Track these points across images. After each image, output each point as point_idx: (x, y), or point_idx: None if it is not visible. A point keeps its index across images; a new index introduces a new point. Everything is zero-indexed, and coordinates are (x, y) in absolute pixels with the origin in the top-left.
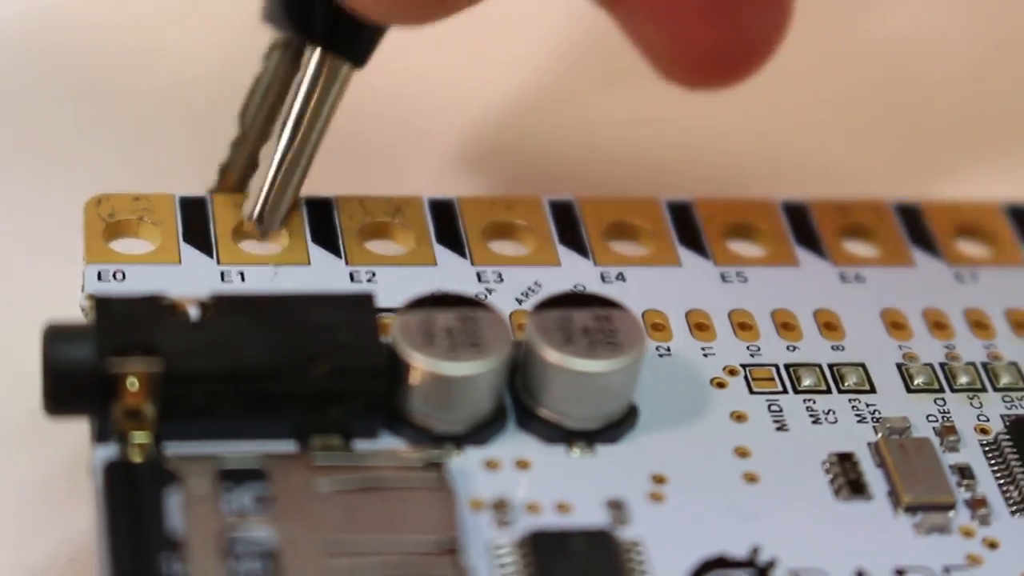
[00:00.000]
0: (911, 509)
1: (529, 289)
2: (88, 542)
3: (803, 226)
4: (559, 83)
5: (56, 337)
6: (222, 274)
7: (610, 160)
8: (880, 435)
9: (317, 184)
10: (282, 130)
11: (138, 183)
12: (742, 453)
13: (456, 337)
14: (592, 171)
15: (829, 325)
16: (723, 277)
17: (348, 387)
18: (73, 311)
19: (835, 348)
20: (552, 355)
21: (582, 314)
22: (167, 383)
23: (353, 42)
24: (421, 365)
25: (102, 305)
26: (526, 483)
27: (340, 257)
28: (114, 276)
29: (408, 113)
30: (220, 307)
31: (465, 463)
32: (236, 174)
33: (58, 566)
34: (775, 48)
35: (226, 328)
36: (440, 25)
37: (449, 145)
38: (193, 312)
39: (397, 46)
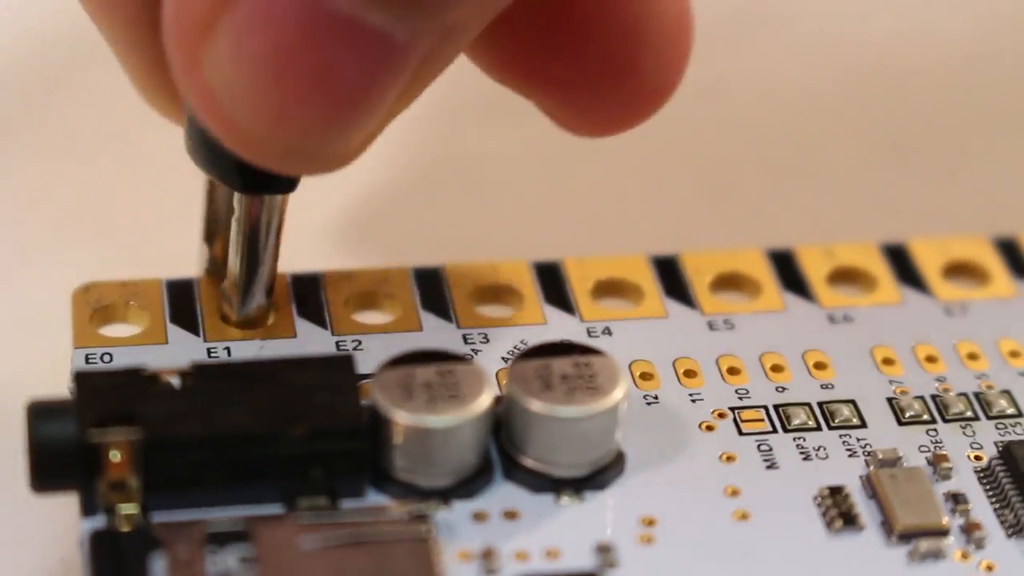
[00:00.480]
0: (904, 537)
1: (515, 348)
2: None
3: (790, 272)
4: (530, 141)
5: (38, 414)
6: (208, 351)
7: (591, 219)
8: (871, 467)
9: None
10: (236, 254)
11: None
12: (732, 492)
13: (435, 390)
14: (574, 231)
15: (819, 365)
16: (711, 325)
17: (330, 448)
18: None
19: (825, 387)
20: (532, 403)
21: (561, 362)
22: (149, 452)
23: (271, 179)
24: (402, 420)
25: (83, 380)
26: (514, 533)
27: (326, 328)
28: (102, 358)
29: (378, 183)
30: (200, 375)
31: (452, 516)
32: (214, 268)
33: (47, 568)
34: (668, 96)
35: (206, 395)
36: None
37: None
38: (174, 381)
39: None
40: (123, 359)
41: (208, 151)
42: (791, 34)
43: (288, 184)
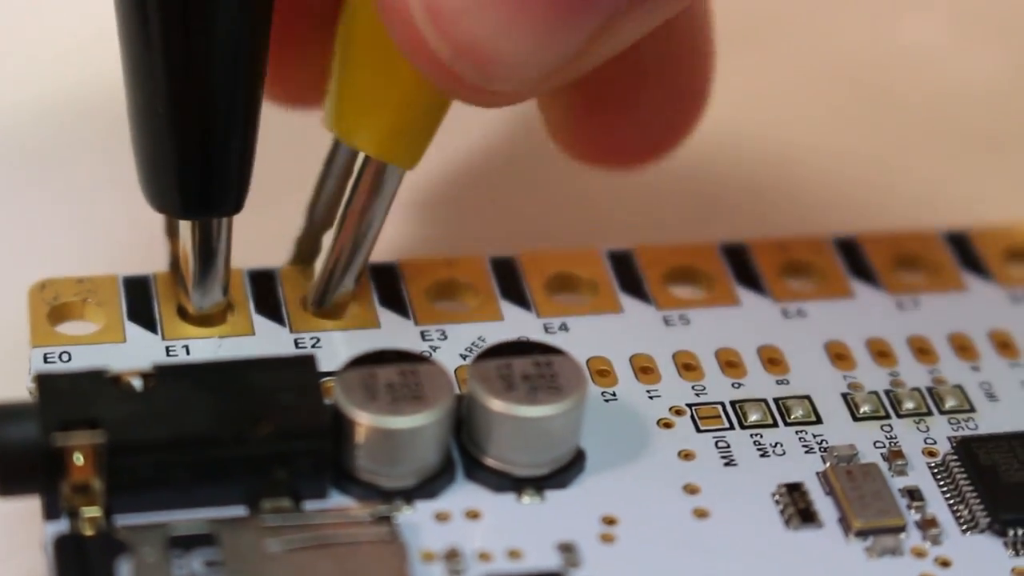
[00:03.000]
0: (862, 533)
1: (473, 344)
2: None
3: (743, 266)
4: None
5: (0, 417)
6: (167, 349)
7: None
8: (828, 464)
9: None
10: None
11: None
12: (691, 490)
13: (398, 391)
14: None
15: (773, 361)
16: (666, 321)
17: (293, 448)
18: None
19: (780, 382)
20: (494, 403)
21: (522, 361)
22: (113, 455)
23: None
24: (364, 421)
25: (44, 382)
26: (477, 533)
27: (284, 325)
28: (60, 357)
29: None
30: (162, 377)
31: (415, 516)
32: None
33: None
34: (680, 142)
35: (169, 397)
36: None
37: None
38: (136, 383)
39: None
40: (82, 358)
41: (153, 183)
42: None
43: (232, 207)
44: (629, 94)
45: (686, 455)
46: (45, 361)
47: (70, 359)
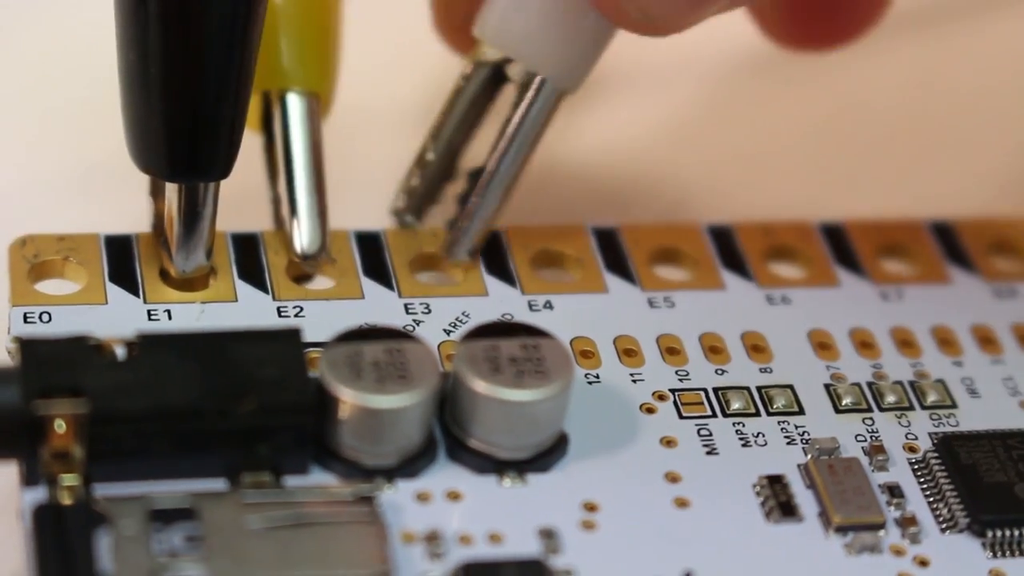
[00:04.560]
0: (841, 529)
1: (457, 320)
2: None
3: (728, 249)
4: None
5: None
6: (149, 313)
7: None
8: (809, 456)
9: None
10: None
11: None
12: (672, 479)
13: (384, 370)
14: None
15: (756, 348)
16: (650, 302)
17: (276, 423)
18: (0, 354)
19: (763, 371)
20: (480, 385)
21: (509, 343)
22: (94, 424)
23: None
24: (349, 399)
25: (27, 347)
26: (458, 515)
27: (267, 293)
28: (40, 318)
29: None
30: (146, 346)
31: (396, 496)
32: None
33: None
34: (877, 21)
35: (153, 367)
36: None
37: (376, 176)
38: (120, 351)
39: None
40: (62, 318)
41: (141, 144)
42: None
43: (220, 172)
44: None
45: (668, 442)
46: (25, 321)
47: (50, 320)
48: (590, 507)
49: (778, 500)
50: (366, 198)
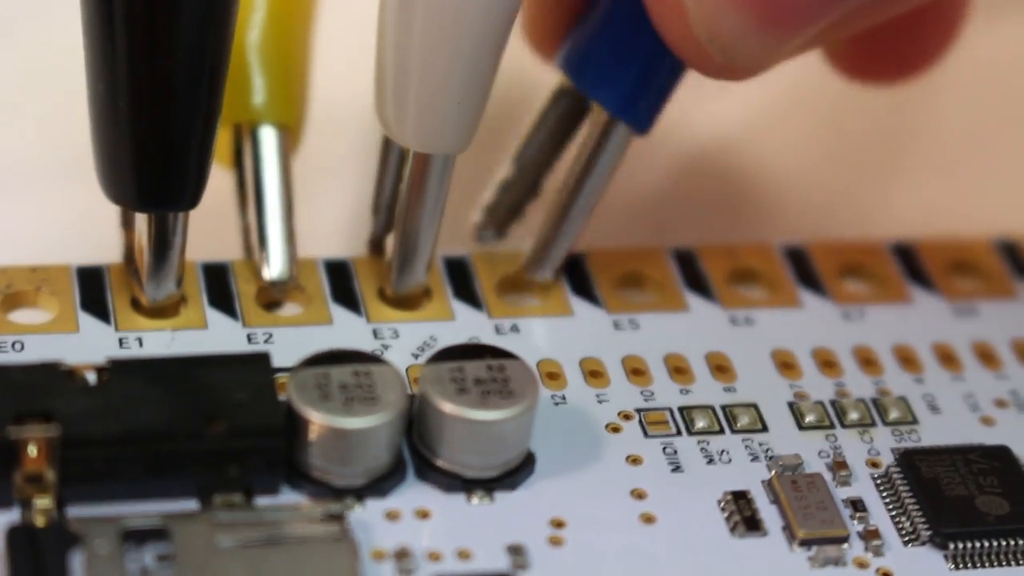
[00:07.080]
0: (805, 543)
1: (425, 344)
2: None
3: (692, 272)
4: None
5: None
6: (120, 340)
7: None
8: (773, 472)
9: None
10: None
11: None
12: (639, 495)
13: (351, 392)
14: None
15: (721, 368)
16: (616, 325)
17: (247, 445)
18: None
19: (727, 390)
20: (446, 406)
21: (475, 365)
22: (66, 448)
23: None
24: (318, 420)
25: (0, 374)
26: (427, 532)
27: (237, 320)
28: (13, 347)
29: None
30: (117, 371)
31: (366, 515)
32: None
33: None
34: (942, 55)
35: (123, 391)
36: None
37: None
38: (91, 377)
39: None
40: (35, 347)
41: (111, 175)
42: None
43: (188, 202)
44: (895, 22)
45: (634, 460)
46: None
47: (23, 348)
48: (557, 523)
49: (743, 515)
50: (334, 226)
